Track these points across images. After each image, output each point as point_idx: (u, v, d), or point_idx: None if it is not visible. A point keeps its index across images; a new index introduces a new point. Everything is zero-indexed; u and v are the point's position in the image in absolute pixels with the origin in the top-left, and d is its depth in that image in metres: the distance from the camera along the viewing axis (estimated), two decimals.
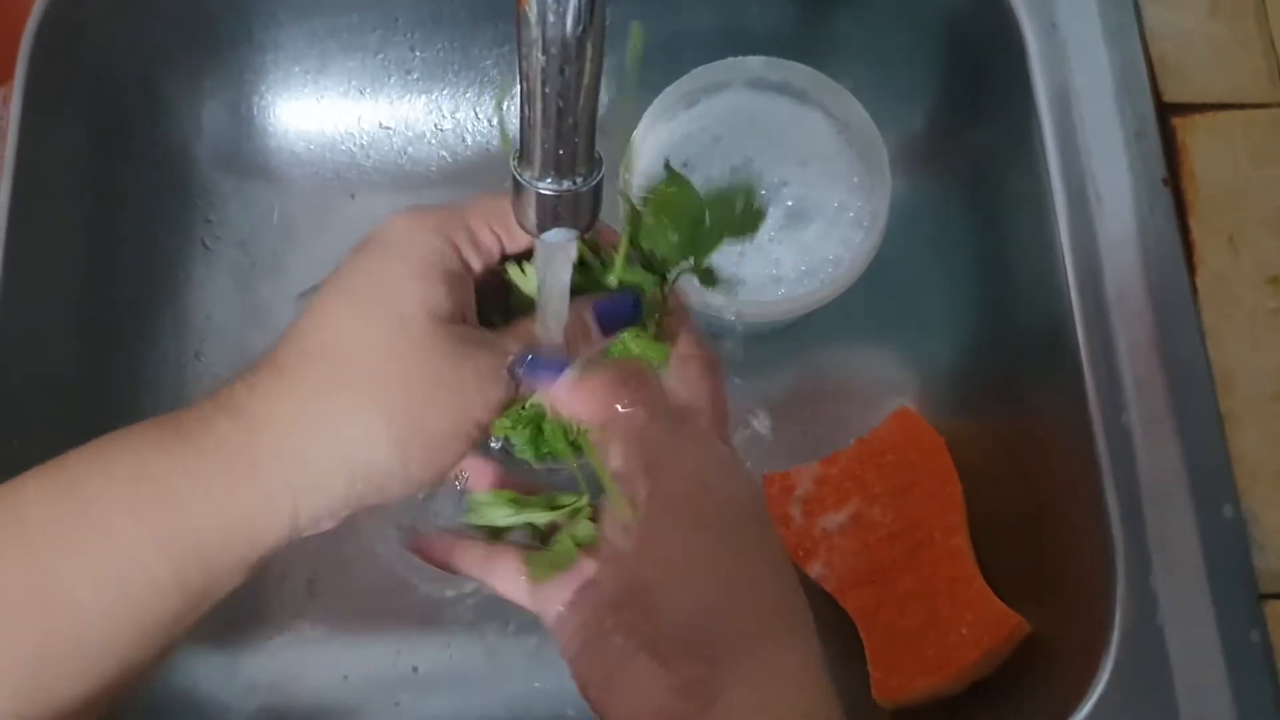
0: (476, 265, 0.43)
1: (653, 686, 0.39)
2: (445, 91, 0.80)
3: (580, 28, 0.32)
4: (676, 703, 0.38)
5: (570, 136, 0.35)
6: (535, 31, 0.32)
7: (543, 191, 0.36)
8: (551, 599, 0.43)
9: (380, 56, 0.78)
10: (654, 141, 0.71)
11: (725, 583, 0.40)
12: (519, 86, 0.34)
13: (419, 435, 0.39)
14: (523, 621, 0.72)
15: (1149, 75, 0.65)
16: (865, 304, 0.70)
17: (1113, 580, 0.57)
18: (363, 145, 0.80)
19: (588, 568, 0.43)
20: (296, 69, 0.78)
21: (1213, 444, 0.59)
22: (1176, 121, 0.64)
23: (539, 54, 0.33)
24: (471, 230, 0.42)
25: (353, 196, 0.79)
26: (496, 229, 0.43)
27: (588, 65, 0.33)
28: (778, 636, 0.40)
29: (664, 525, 0.41)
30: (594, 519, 0.44)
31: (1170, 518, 0.58)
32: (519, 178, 0.37)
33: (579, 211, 0.37)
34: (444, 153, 0.80)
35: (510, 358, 0.42)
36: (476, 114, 0.80)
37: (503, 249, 0.44)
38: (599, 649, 0.41)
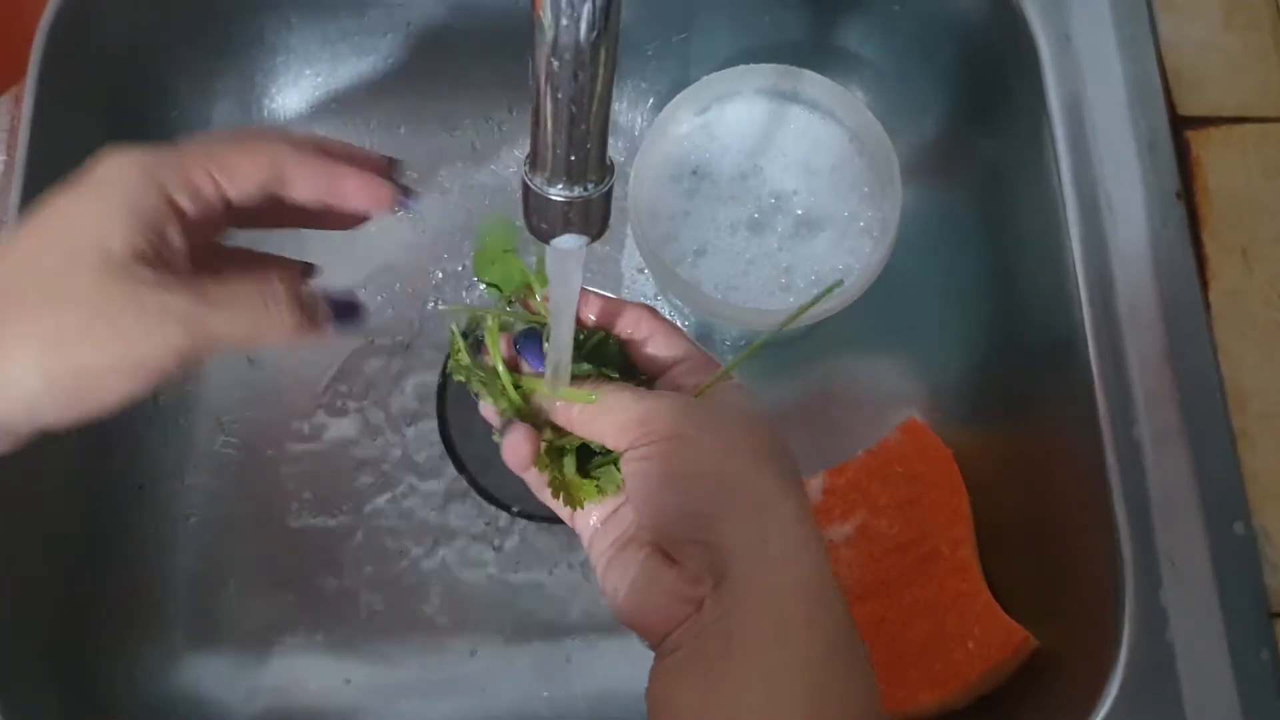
0: (191, 209, 0.43)
1: (669, 579, 0.43)
2: (456, 96, 0.79)
3: (594, 33, 0.32)
4: (691, 588, 0.42)
5: (582, 143, 0.35)
6: (548, 36, 0.32)
7: (553, 198, 0.36)
8: (588, 519, 0.48)
9: (391, 61, 0.78)
10: (662, 149, 0.71)
11: (718, 473, 0.43)
12: (532, 91, 0.34)
13: (68, 368, 0.41)
14: (525, 629, 0.72)
15: (1163, 87, 0.65)
16: (874, 314, 0.70)
17: (1122, 596, 0.57)
18: (373, 149, 0.80)
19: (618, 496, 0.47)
20: (307, 71, 0.78)
21: (1224, 460, 0.58)
22: (1190, 134, 0.64)
23: (552, 59, 0.33)
24: (187, 173, 0.43)
25: None
26: (216, 174, 0.43)
27: (601, 71, 0.33)
28: (774, 503, 0.43)
29: (670, 444, 0.44)
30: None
31: (1180, 533, 0.57)
32: (529, 183, 0.36)
33: (590, 218, 0.37)
34: (453, 158, 0.80)
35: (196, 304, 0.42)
36: (486, 119, 0.80)
37: (225, 195, 0.44)
38: (620, 560, 0.45)
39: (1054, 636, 0.63)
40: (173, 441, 0.74)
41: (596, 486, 0.47)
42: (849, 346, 0.75)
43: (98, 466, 0.69)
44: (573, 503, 0.47)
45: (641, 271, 0.78)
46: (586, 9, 0.32)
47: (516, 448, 0.46)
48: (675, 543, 0.44)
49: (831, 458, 0.72)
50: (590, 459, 0.49)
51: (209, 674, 0.71)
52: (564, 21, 0.32)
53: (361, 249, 0.78)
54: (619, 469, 0.46)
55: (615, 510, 0.47)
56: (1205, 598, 0.56)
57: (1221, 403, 0.59)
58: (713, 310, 0.67)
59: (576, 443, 0.48)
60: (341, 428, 0.75)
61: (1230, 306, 0.61)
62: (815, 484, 0.71)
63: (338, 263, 0.76)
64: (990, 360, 0.72)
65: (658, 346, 0.49)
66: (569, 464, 0.48)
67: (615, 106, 0.80)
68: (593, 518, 0.48)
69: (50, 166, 0.65)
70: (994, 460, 0.70)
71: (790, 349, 0.75)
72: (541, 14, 0.32)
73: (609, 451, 0.47)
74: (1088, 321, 0.61)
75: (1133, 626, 0.56)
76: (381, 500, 0.74)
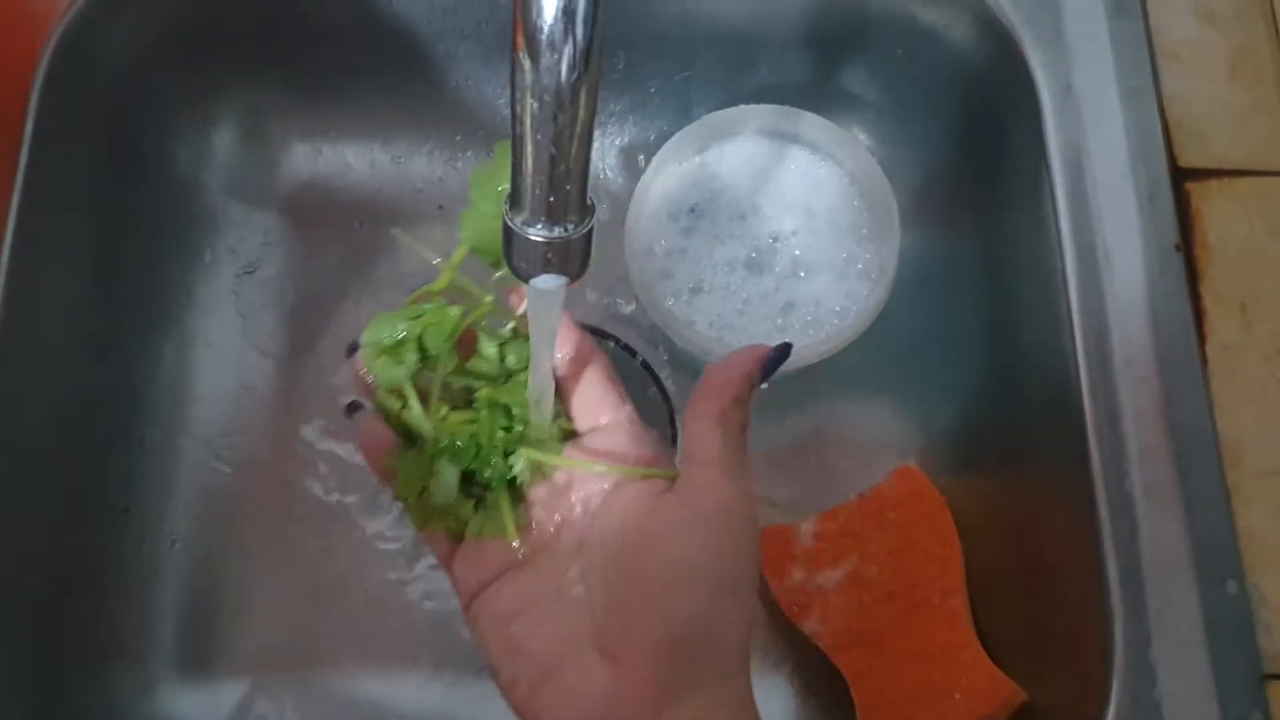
0: None
1: (604, 693, 0.37)
2: (457, 129, 0.80)
3: (575, 75, 0.32)
4: (627, 712, 0.37)
5: (562, 183, 0.35)
6: (529, 77, 0.32)
7: (533, 238, 0.36)
8: (472, 569, 0.42)
9: (394, 91, 0.78)
10: (660, 186, 0.71)
11: (723, 597, 0.38)
12: (512, 131, 0.34)
13: None
14: None
15: (1164, 139, 0.64)
16: (870, 358, 0.69)
17: (1111, 652, 0.56)
18: (372, 178, 0.80)
19: (517, 550, 0.42)
20: (309, 100, 0.78)
21: (1218, 517, 0.57)
22: (1191, 187, 0.63)
23: (532, 100, 0.33)
24: None
25: (360, 225, 0.79)
26: None
27: (581, 113, 0.33)
28: (736, 668, 0.38)
29: (669, 520, 0.39)
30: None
31: (1172, 590, 0.56)
32: (509, 223, 0.36)
33: (570, 258, 0.37)
34: (453, 189, 0.80)
35: None
36: (488, 153, 0.80)
37: None
38: (538, 644, 0.39)
39: (1042, 690, 0.62)
40: (162, 465, 0.73)
41: (483, 519, 0.42)
42: (844, 390, 0.75)
43: (82, 488, 0.69)
44: (446, 526, 0.42)
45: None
46: (568, 51, 0.32)
47: (369, 432, 0.43)
48: (653, 654, 0.38)
49: (824, 502, 0.72)
50: (473, 481, 0.43)
51: (188, 703, 0.70)
52: (544, 63, 0.32)
53: (359, 279, 0.78)
54: (514, 509, 0.42)
55: (519, 569, 0.42)
56: (1196, 657, 0.55)
57: (1216, 459, 0.58)
58: (707, 349, 0.67)
59: (466, 457, 0.43)
60: (334, 454, 0.75)
61: (1227, 362, 0.60)
62: (807, 528, 0.71)
63: (337, 289, 0.77)
64: (985, 409, 0.72)
65: (587, 396, 0.45)
66: (444, 477, 0.42)
67: (615, 142, 0.81)
68: (477, 577, 0.42)
69: (48, 189, 0.65)
70: (986, 510, 0.69)
71: (785, 390, 0.75)
72: (521, 55, 0.32)
73: (505, 475, 0.43)
74: (1083, 373, 0.60)
75: (1121, 683, 0.55)
76: (373, 528, 0.73)
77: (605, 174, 0.80)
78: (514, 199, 0.36)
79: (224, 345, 0.76)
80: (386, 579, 0.73)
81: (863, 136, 0.77)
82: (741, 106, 0.70)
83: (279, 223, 0.79)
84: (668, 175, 0.71)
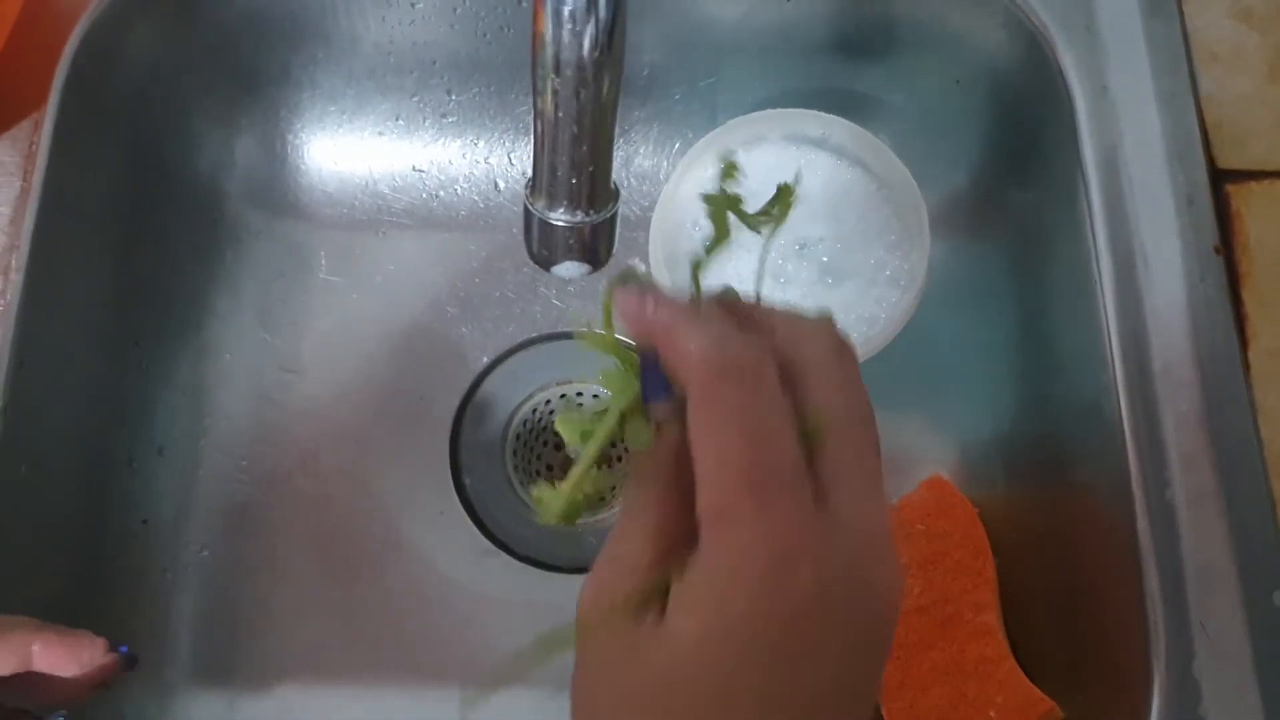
0: None
1: None
2: (480, 136, 0.79)
3: (597, 51, 0.31)
4: None
5: (585, 165, 0.34)
6: (550, 53, 0.31)
7: (554, 223, 0.35)
8: None
9: (416, 99, 0.78)
10: (686, 191, 0.70)
11: None
12: (533, 111, 0.33)
13: None
14: (537, 681, 0.70)
15: (1203, 140, 0.63)
16: (900, 366, 0.68)
17: (1152, 667, 0.54)
18: (395, 187, 0.79)
19: None
20: (332, 108, 0.78)
21: (1263, 526, 0.55)
22: (1230, 188, 0.62)
23: (553, 76, 0.32)
24: None
25: (383, 235, 0.79)
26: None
27: (604, 91, 0.32)
28: None
29: None
30: None
31: (1216, 603, 0.55)
32: (530, 208, 0.35)
33: (592, 245, 0.36)
34: (475, 197, 0.79)
35: None
36: (510, 160, 0.79)
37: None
38: None
39: (1081, 708, 0.61)
40: (181, 477, 0.73)
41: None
42: (873, 398, 0.73)
43: (101, 499, 0.68)
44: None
45: None
46: (590, 27, 0.31)
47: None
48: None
49: None
50: None
51: (204, 714, 0.69)
52: (566, 38, 0.31)
53: (379, 288, 0.77)
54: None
55: None
56: (1241, 672, 0.53)
57: (1261, 466, 0.56)
58: None
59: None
60: (357, 467, 0.74)
61: (1271, 366, 0.58)
62: None
63: (358, 298, 0.77)
64: (1019, 418, 0.70)
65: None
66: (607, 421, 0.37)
67: (640, 149, 0.80)
68: None
69: (68, 193, 0.65)
70: (1021, 521, 0.68)
71: None
72: (543, 29, 0.31)
73: None
74: (1120, 380, 0.59)
75: (1163, 700, 0.53)
76: (393, 543, 0.72)
77: (630, 181, 0.79)
78: (535, 182, 0.35)
79: (244, 355, 0.76)
80: (408, 592, 0.71)
81: (890, 141, 0.75)
82: (767, 111, 0.69)
83: (300, 231, 0.79)
84: (692, 182, 0.70)
